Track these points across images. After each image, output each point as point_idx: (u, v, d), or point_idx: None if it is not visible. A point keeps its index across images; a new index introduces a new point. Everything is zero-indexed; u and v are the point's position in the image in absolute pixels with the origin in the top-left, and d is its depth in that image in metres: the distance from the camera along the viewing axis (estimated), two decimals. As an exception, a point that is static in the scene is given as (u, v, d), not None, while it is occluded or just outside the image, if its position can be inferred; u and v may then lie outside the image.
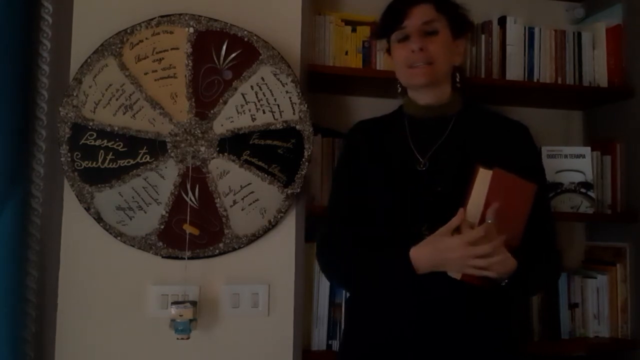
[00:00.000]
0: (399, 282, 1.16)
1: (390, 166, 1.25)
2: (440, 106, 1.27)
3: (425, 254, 1.12)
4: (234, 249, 1.52)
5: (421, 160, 1.25)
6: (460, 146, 1.24)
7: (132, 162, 1.47)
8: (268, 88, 1.53)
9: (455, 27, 1.26)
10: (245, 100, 1.52)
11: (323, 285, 1.63)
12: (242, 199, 1.51)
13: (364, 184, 1.28)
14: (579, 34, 1.92)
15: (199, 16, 1.51)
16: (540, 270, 1.20)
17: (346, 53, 1.74)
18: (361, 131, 1.37)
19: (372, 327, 1.23)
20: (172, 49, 1.49)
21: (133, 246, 1.47)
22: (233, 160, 1.51)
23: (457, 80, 1.29)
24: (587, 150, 1.89)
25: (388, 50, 1.33)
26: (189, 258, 1.49)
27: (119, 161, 1.46)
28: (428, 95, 1.27)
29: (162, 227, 1.48)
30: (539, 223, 1.20)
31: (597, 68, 1.92)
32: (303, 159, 1.54)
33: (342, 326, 1.59)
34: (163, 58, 1.49)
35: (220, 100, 1.51)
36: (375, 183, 1.27)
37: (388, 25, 1.26)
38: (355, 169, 1.31)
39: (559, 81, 1.89)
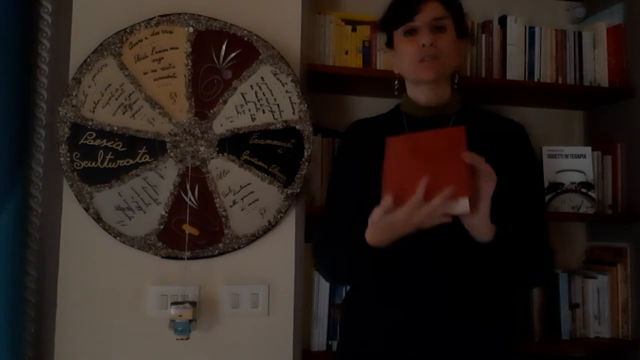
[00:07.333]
0: (377, 262, 1.14)
1: None
2: (440, 106, 1.27)
3: (375, 238, 1.10)
4: (234, 249, 1.51)
5: None
6: None
7: (131, 162, 1.46)
8: (268, 88, 1.53)
9: (459, 27, 1.27)
10: (244, 100, 1.52)
11: (323, 285, 1.63)
12: (242, 199, 1.51)
13: (360, 184, 1.27)
14: (580, 34, 1.92)
15: (199, 15, 1.51)
16: (527, 253, 1.17)
17: (346, 52, 1.74)
18: (358, 130, 1.37)
19: (366, 326, 1.23)
20: (171, 48, 1.49)
21: (132, 246, 1.47)
22: (233, 160, 1.51)
23: (455, 81, 1.29)
24: (587, 150, 1.88)
25: (387, 44, 1.32)
26: (188, 258, 1.48)
27: (118, 161, 1.46)
28: (430, 93, 1.26)
29: (162, 227, 1.47)
30: (529, 221, 1.19)
31: (597, 68, 1.91)
32: (303, 159, 1.54)
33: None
34: (162, 58, 1.49)
35: (220, 100, 1.51)
36: (372, 182, 1.26)
37: (398, 18, 1.25)
38: (351, 169, 1.30)
39: (560, 81, 1.89)
